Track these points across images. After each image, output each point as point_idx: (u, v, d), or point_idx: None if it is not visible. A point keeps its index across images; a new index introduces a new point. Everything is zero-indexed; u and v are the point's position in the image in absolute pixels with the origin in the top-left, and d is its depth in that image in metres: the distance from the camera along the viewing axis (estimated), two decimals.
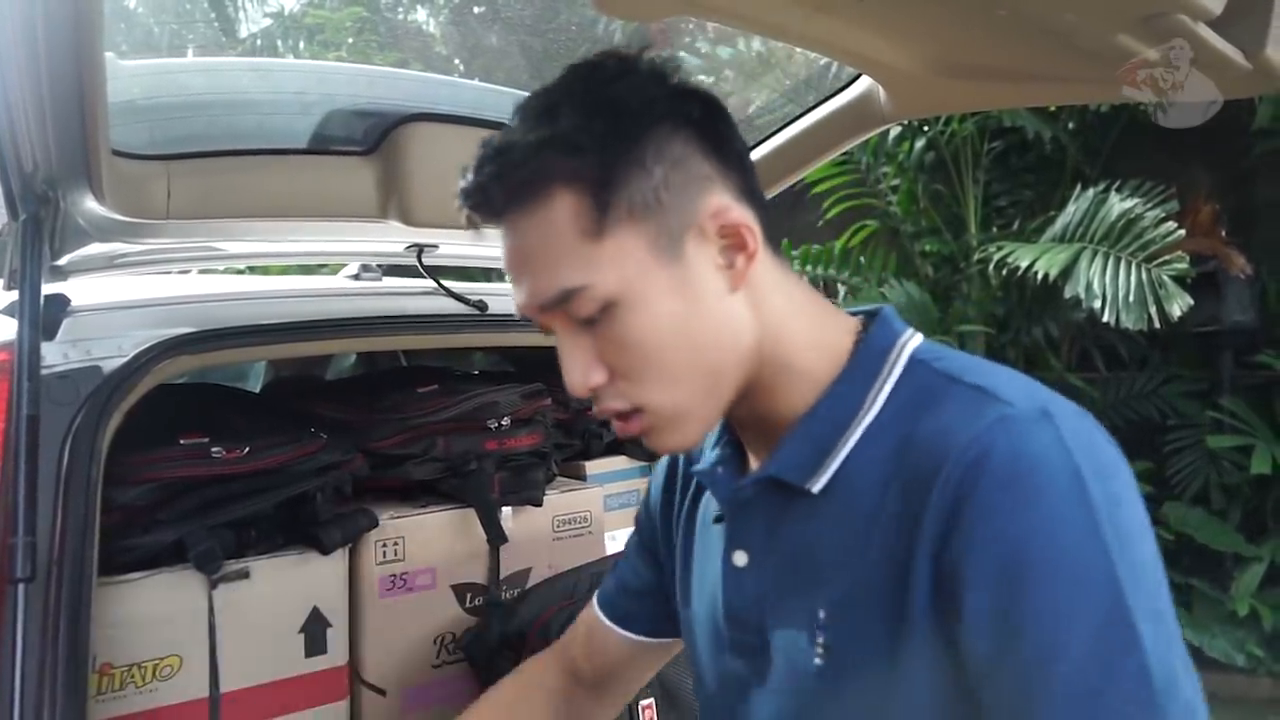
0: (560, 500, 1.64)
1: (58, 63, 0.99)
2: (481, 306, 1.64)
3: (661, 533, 1.02)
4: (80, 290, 1.33)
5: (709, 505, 0.91)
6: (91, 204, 1.21)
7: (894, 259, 4.93)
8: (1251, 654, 4.17)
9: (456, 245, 1.68)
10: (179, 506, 1.28)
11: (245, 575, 1.31)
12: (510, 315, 1.69)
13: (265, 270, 2.22)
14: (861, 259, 4.97)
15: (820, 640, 0.75)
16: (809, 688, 0.76)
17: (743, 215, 0.76)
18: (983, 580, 0.66)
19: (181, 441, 1.32)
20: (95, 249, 1.33)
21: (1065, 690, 0.63)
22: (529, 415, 1.64)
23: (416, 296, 1.64)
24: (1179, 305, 3.66)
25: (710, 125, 0.77)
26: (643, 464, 1.88)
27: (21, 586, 1.01)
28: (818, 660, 0.75)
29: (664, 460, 1.04)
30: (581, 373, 0.76)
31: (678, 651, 1.08)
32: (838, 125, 1.64)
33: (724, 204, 0.76)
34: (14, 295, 1.24)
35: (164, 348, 1.29)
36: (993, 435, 0.68)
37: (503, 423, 1.58)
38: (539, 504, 1.59)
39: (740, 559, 0.82)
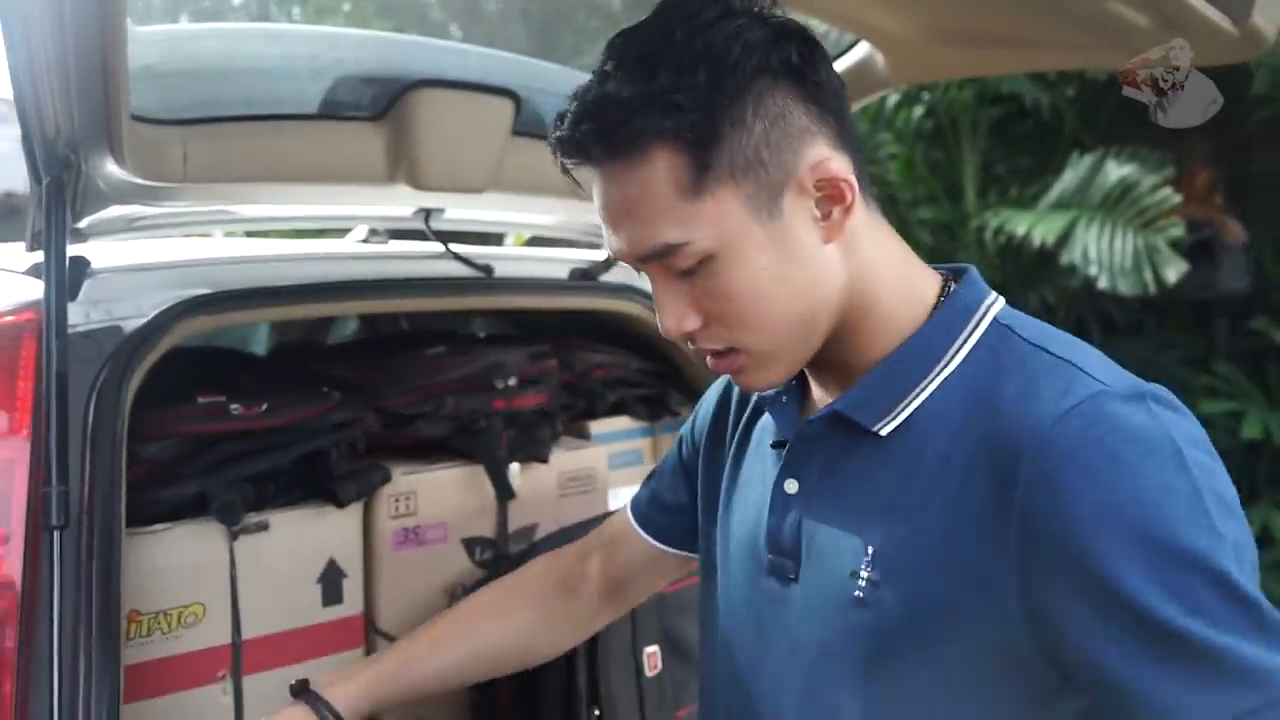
0: (566, 458, 1.69)
1: (82, 30, 1.03)
2: (488, 270, 1.68)
3: (705, 453, 1.03)
4: (98, 252, 1.37)
5: (765, 430, 0.93)
6: (112, 167, 1.25)
7: (892, 226, 4.95)
8: None
9: (463, 209, 1.72)
10: (200, 461, 1.33)
11: (265, 527, 1.36)
12: (516, 278, 1.74)
13: (271, 235, 2.25)
14: None
15: (865, 574, 0.76)
16: (843, 618, 0.78)
17: (841, 167, 0.76)
18: (1093, 547, 0.67)
19: (200, 400, 1.36)
20: (114, 212, 1.36)
21: (1203, 643, 0.65)
22: (535, 375, 1.68)
23: (424, 260, 1.68)
24: (1174, 271, 3.69)
25: (810, 70, 0.76)
26: (645, 424, 1.93)
27: (56, 533, 1.05)
28: (858, 593, 0.77)
29: (719, 382, 1.07)
30: (676, 319, 0.79)
31: (688, 569, 1.11)
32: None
33: (824, 156, 0.76)
34: (35, 257, 1.29)
35: (182, 308, 1.33)
36: (1084, 413, 0.69)
37: (510, 382, 1.62)
38: (545, 460, 1.64)
39: (791, 486, 0.84)
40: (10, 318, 1.20)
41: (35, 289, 1.22)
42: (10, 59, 1.08)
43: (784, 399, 0.89)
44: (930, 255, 4.81)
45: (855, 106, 1.77)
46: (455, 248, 1.69)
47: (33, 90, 1.11)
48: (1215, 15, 1.17)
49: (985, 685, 0.73)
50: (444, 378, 1.58)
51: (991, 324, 0.79)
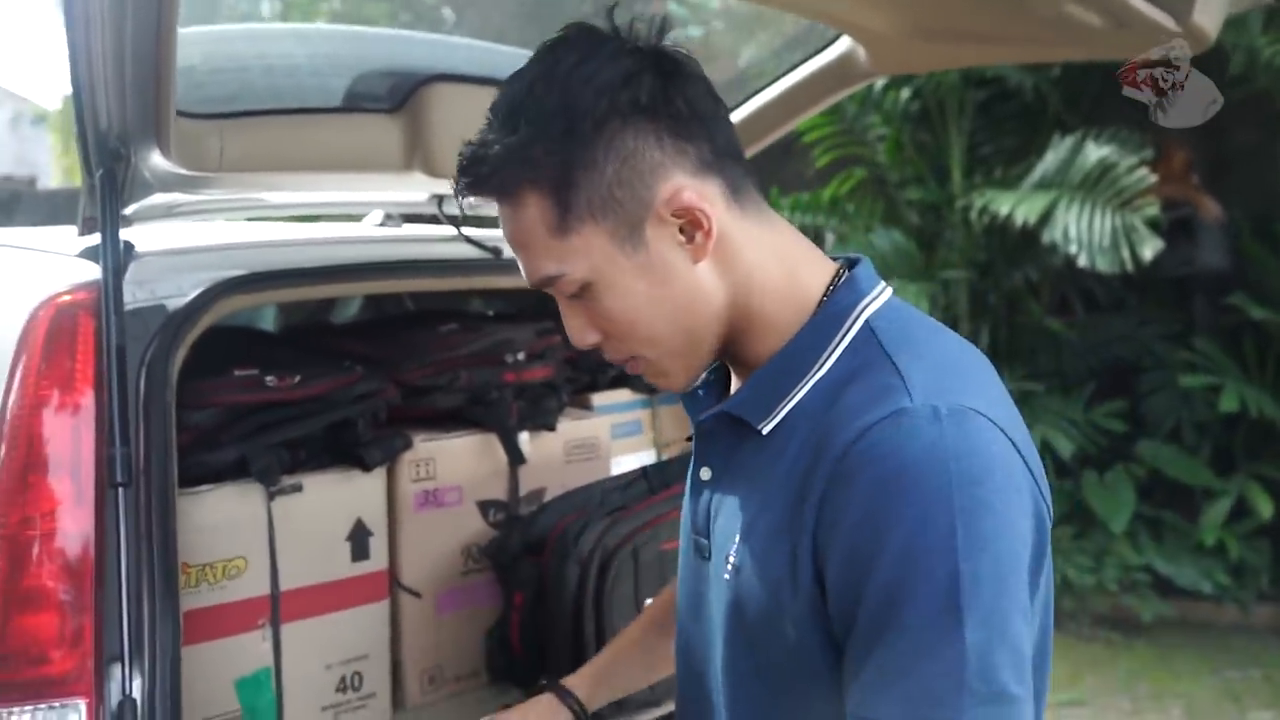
0: (571, 427, 1.82)
1: (139, 34, 1.14)
2: (496, 252, 1.80)
3: None
4: (141, 237, 1.48)
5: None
6: (157, 159, 1.36)
7: (880, 206, 5.07)
8: (1218, 582, 4.40)
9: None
10: (240, 428, 1.45)
11: (299, 489, 1.49)
12: None
13: (291, 219, 2.36)
14: (849, 207, 5.11)
15: (731, 562, 0.86)
16: (725, 588, 0.87)
17: (697, 195, 0.83)
18: (838, 567, 0.76)
19: (236, 373, 1.48)
20: (156, 199, 1.48)
21: (888, 659, 0.73)
22: (541, 350, 1.80)
23: (437, 243, 1.80)
24: (1151, 249, 3.83)
25: (664, 104, 0.83)
26: (645, 396, 2.06)
27: (121, 490, 1.17)
28: (726, 576, 0.86)
29: None
30: (578, 334, 0.89)
31: None
32: (821, 81, 1.78)
33: (677, 188, 0.82)
34: (85, 241, 1.41)
35: (220, 288, 1.44)
36: (882, 429, 0.76)
37: (519, 357, 1.74)
38: (553, 429, 1.76)
39: (705, 474, 0.93)
40: (68, 297, 1.32)
41: (87, 270, 1.34)
42: (72, 62, 1.19)
43: (700, 393, 0.96)
44: (918, 234, 4.95)
45: (839, 96, 1.89)
46: (465, 231, 1.81)
47: (90, 90, 1.22)
48: (1158, 15, 1.28)
49: (816, 670, 0.81)
50: (458, 353, 1.70)
51: (862, 329, 0.85)
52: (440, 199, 1.80)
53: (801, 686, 0.83)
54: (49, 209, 8.04)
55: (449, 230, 1.83)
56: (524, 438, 1.73)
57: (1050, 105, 4.84)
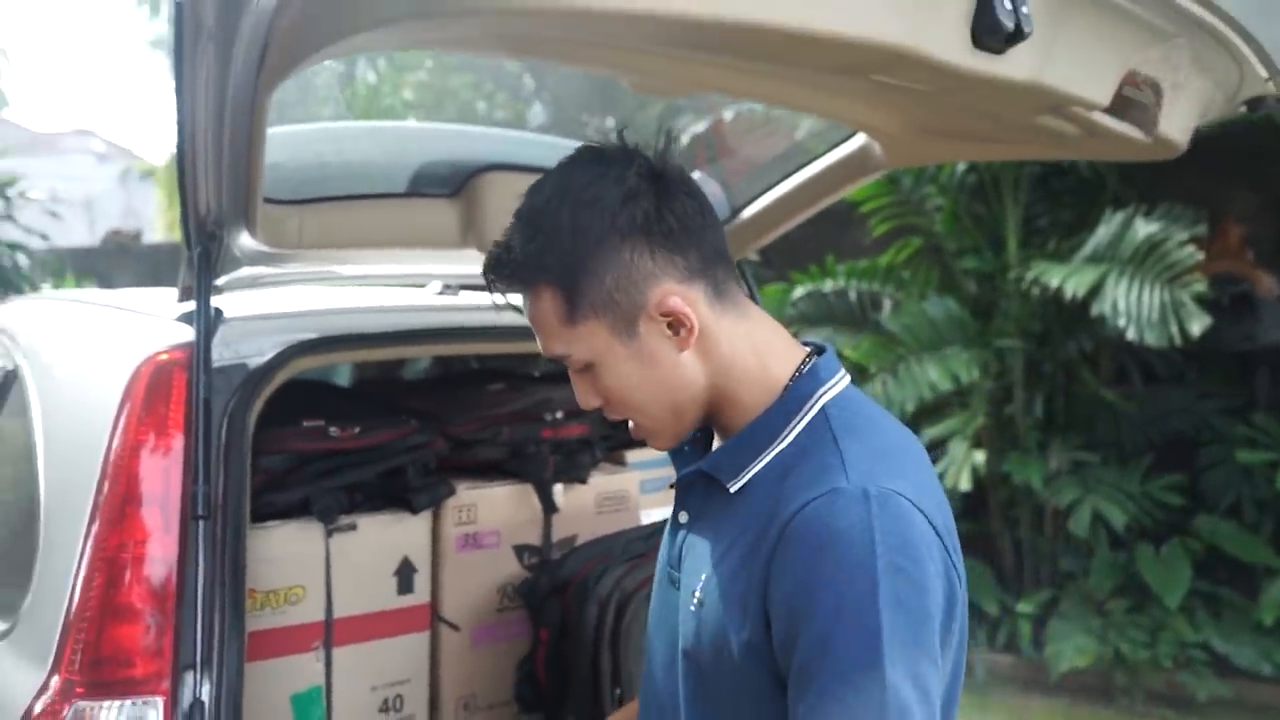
0: (603, 481, 1.99)
1: (236, 137, 1.37)
2: None
3: None
4: (228, 303, 1.71)
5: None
6: (245, 239, 1.59)
7: (936, 275, 5.18)
8: (1277, 663, 4.32)
9: None
10: (305, 473, 1.66)
11: (354, 528, 1.68)
12: None
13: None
14: (905, 274, 5.22)
15: (697, 596, 1.01)
16: (691, 617, 1.01)
17: (682, 300, 0.99)
18: (782, 614, 0.90)
19: (305, 424, 1.69)
20: (243, 272, 1.71)
21: (822, 695, 0.87)
22: (579, 410, 1.98)
23: (488, 311, 2.00)
24: (1198, 324, 3.86)
25: (656, 222, 0.99)
26: None
27: (201, 523, 1.38)
28: (692, 608, 1.01)
29: None
30: (584, 398, 1.06)
31: None
32: (841, 171, 1.95)
33: (665, 293, 0.99)
34: (183, 307, 1.64)
35: (294, 350, 1.65)
36: (817, 506, 0.91)
37: (557, 415, 1.93)
38: (585, 482, 1.94)
39: (683, 518, 1.10)
40: (165, 356, 1.54)
41: (182, 333, 1.56)
42: (179, 159, 1.42)
43: (685, 449, 1.12)
44: (974, 303, 5.02)
45: (858, 185, 2.06)
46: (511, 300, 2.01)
47: (193, 182, 1.45)
48: (1125, 128, 1.42)
49: (759, 695, 0.96)
50: (502, 410, 1.89)
51: (819, 411, 1.01)
52: None
53: (745, 702, 0.97)
54: (152, 262, 8.59)
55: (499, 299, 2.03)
56: (558, 489, 1.90)
57: (1108, 181, 4.92)
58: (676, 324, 1.00)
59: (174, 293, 1.69)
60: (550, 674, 1.75)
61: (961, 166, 4.98)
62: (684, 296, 1.00)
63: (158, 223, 12.72)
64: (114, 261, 8.63)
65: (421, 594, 1.77)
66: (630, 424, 1.09)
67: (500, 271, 1.03)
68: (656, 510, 2.11)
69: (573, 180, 1.01)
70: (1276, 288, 4.43)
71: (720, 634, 0.98)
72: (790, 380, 1.04)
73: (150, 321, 1.68)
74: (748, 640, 0.95)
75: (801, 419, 1.01)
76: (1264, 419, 4.65)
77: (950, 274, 5.17)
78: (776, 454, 1.00)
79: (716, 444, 1.11)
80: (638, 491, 2.05)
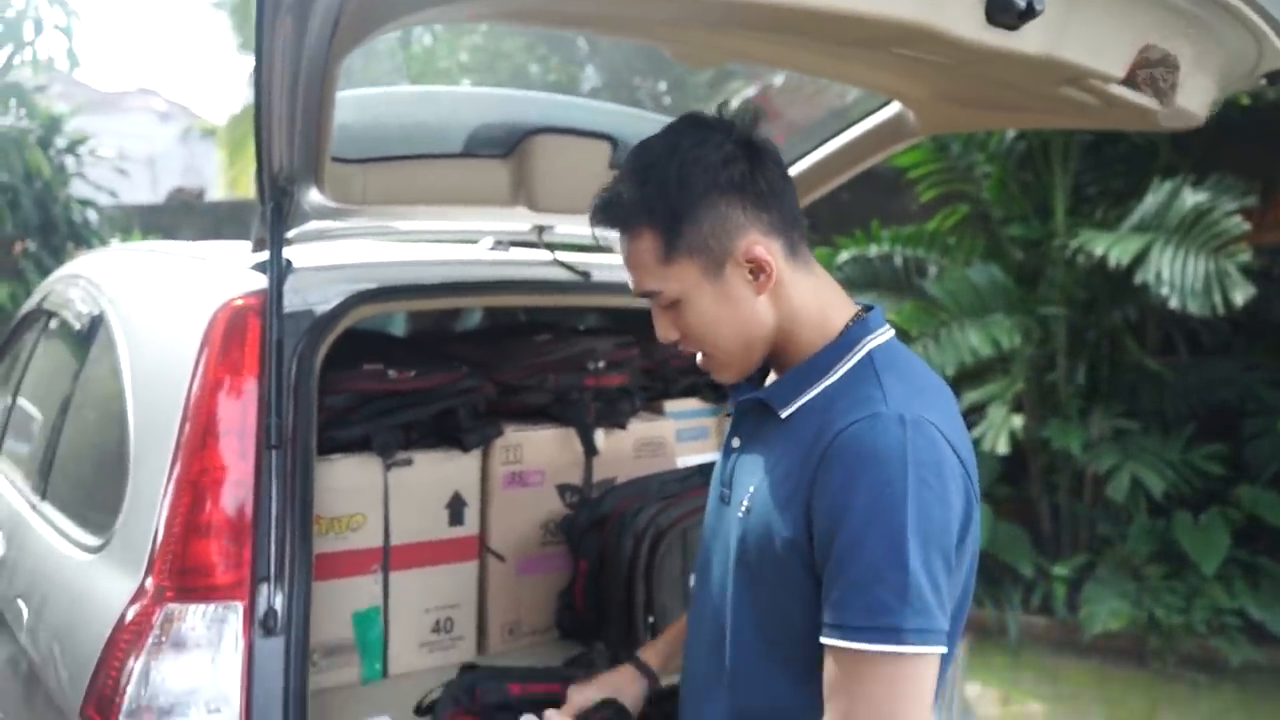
0: (641, 427, 2.11)
1: (309, 100, 1.49)
2: (586, 275, 2.11)
3: None
4: (296, 255, 1.85)
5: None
6: (314, 194, 1.73)
7: (981, 242, 5.20)
8: None
9: (568, 226, 2.16)
10: (365, 411, 1.80)
11: (409, 462, 1.82)
12: (609, 281, 2.17)
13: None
14: (951, 241, 5.25)
15: (745, 505, 1.18)
16: (739, 523, 1.19)
17: (765, 250, 1.16)
18: (823, 516, 1.06)
19: (365, 367, 1.83)
20: (311, 225, 1.84)
21: (855, 578, 1.03)
22: (620, 360, 2.10)
23: (536, 265, 2.12)
24: (1242, 294, 3.87)
25: (749, 183, 1.16)
26: (713, 406, 2.33)
27: (274, 452, 1.52)
28: (740, 515, 1.18)
29: None
30: (663, 333, 1.23)
31: None
32: (876, 137, 2.04)
33: (751, 243, 1.15)
34: (256, 257, 1.78)
35: (357, 298, 1.79)
36: (860, 427, 1.07)
37: (599, 365, 2.05)
38: (624, 428, 2.06)
39: (735, 442, 1.28)
40: (240, 302, 1.68)
41: (256, 280, 1.70)
42: (257, 121, 1.55)
43: (743, 382, 1.28)
44: (1019, 270, 5.04)
45: (892, 151, 2.14)
46: (559, 256, 2.13)
47: (268, 142, 1.58)
48: (1141, 99, 1.49)
49: (793, 582, 1.12)
50: (547, 359, 2.02)
51: (864, 354, 1.17)
52: (540, 229, 2.13)
53: (782, 593, 1.14)
54: (214, 219, 8.85)
55: (546, 255, 2.15)
56: (599, 433, 2.03)
57: (1160, 150, 4.89)
58: (758, 270, 1.17)
59: (242, 245, 1.84)
60: (588, 603, 1.88)
61: (1011, 134, 4.99)
62: (766, 247, 1.17)
63: (219, 181, 13.02)
64: (178, 218, 8.90)
65: (471, 526, 1.91)
66: (700, 358, 1.25)
67: (610, 214, 1.20)
68: (691, 457, 2.23)
69: (681, 141, 1.17)
70: None
71: (765, 534, 1.14)
72: (844, 328, 1.20)
73: (226, 270, 1.83)
74: (790, 538, 1.10)
75: (850, 359, 1.17)
76: None
77: (996, 241, 5.18)
78: (824, 388, 1.16)
79: (771, 379, 1.28)
80: (673, 438, 2.17)
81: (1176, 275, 3.97)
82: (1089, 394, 5.04)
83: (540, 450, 1.98)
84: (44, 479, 2.08)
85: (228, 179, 11.90)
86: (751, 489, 1.18)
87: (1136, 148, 4.98)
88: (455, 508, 1.88)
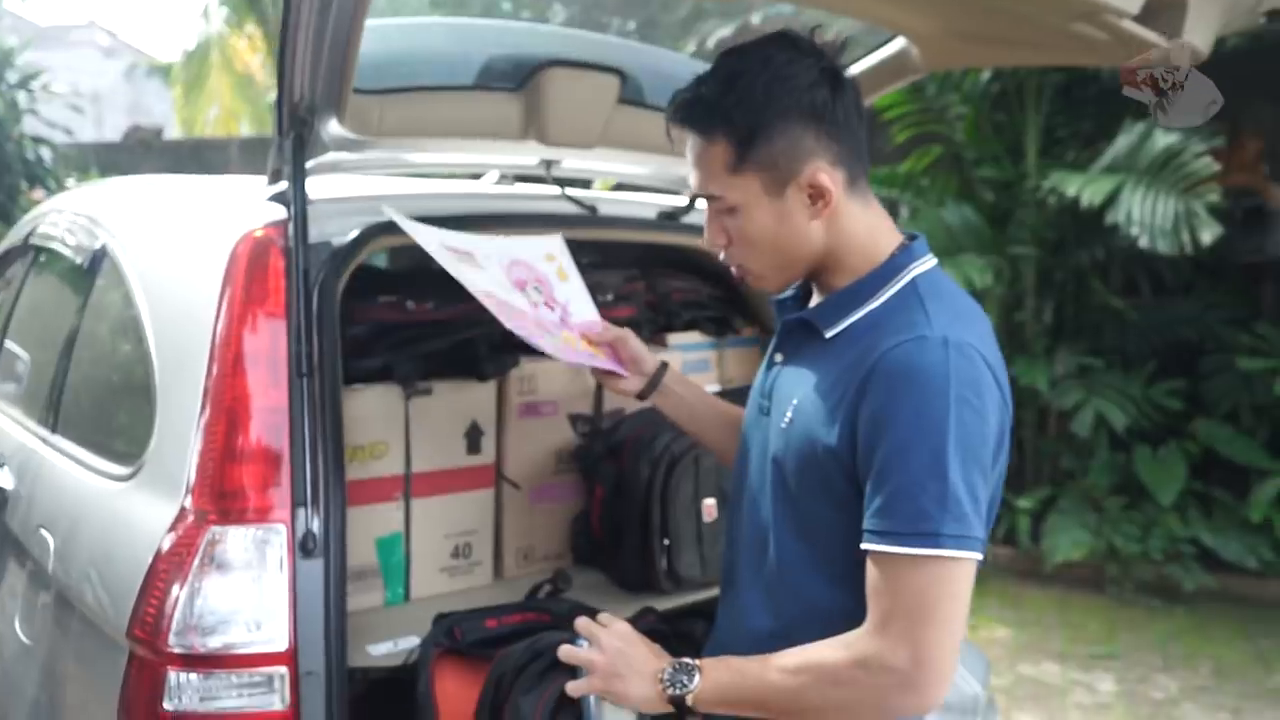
0: None
1: (339, 28, 1.49)
2: (594, 209, 2.14)
3: None
4: (313, 188, 1.85)
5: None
6: (334, 126, 1.73)
7: (955, 183, 5.27)
8: (1263, 558, 4.56)
9: (577, 160, 2.18)
10: (385, 342, 1.83)
11: (429, 392, 1.86)
12: (615, 216, 2.19)
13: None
14: (924, 182, 5.32)
15: (789, 417, 1.24)
16: (781, 433, 1.26)
17: (827, 178, 1.20)
18: (868, 428, 1.13)
19: (385, 298, 1.85)
20: (326, 158, 1.84)
21: (897, 487, 1.10)
22: (627, 294, 2.14)
23: (545, 200, 2.14)
24: (1210, 233, 3.99)
25: (828, 111, 1.20)
26: (713, 339, 2.38)
27: (304, 379, 1.55)
28: (783, 425, 1.25)
29: None
30: (713, 237, 1.28)
31: None
32: (878, 74, 2.07)
33: (817, 169, 1.20)
34: (270, 188, 1.78)
35: (374, 230, 1.80)
36: (906, 347, 1.14)
37: (608, 297, 2.08)
38: None
39: (778, 357, 1.34)
40: (261, 232, 1.69)
41: (275, 211, 1.70)
42: (283, 48, 1.55)
43: (788, 302, 1.37)
44: (991, 211, 5.12)
45: (893, 88, 2.17)
46: (568, 191, 2.15)
47: (291, 72, 1.58)
48: (1150, 35, 1.54)
49: (832, 489, 1.19)
50: None
51: (909, 282, 1.23)
52: (549, 164, 2.15)
53: (823, 499, 1.21)
54: (174, 158, 8.66)
55: (553, 190, 2.18)
56: None
57: None
58: (817, 196, 1.22)
59: (243, 180, 1.83)
60: (604, 527, 1.94)
61: (986, 75, 5.03)
62: (830, 176, 1.22)
63: (171, 119, 12.70)
64: (136, 157, 8.69)
65: (488, 455, 1.95)
66: (737, 268, 1.30)
67: (690, 113, 1.23)
68: None
69: (775, 56, 1.21)
70: None
71: (808, 445, 1.21)
72: (890, 256, 1.26)
73: (241, 202, 1.83)
74: (832, 448, 1.18)
75: (894, 285, 1.23)
76: (1267, 328, 4.80)
77: (969, 182, 5.26)
78: (868, 311, 1.23)
79: (815, 300, 1.33)
80: (680, 369, 2.21)
81: (1146, 215, 4.08)
82: (1055, 332, 5.18)
83: (553, 381, 2.02)
84: (53, 413, 2.08)
85: (182, 118, 11.62)
86: (795, 402, 1.24)
87: (1106, 90, 5.05)
88: (473, 437, 1.92)
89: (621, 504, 1.90)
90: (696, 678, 1.19)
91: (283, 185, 1.75)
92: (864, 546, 1.14)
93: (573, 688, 1.26)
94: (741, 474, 1.37)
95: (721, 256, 1.32)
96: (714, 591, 1.96)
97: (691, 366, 2.29)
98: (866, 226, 1.26)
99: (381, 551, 1.83)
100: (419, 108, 1.87)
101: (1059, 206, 4.78)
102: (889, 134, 5.32)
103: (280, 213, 1.68)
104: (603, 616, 1.31)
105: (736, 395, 2.11)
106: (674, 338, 2.29)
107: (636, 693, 1.22)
